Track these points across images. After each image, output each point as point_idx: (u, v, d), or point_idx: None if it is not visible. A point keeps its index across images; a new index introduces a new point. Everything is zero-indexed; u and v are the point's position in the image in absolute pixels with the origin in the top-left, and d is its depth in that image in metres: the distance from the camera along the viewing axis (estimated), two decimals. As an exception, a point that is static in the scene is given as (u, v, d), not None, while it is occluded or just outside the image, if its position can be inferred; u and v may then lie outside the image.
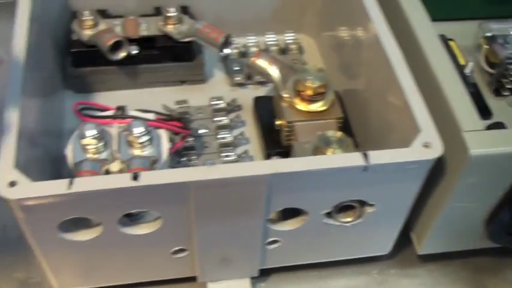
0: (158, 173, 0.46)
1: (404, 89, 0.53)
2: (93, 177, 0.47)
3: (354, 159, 0.48)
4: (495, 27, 0.64)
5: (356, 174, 0.48)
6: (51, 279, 0.56)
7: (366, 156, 0.48)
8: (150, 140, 0.55)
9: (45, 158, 0.57)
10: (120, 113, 0.58)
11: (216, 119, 0.68)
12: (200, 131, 0.67)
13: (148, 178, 0.45)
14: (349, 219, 0.54)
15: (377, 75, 0.58)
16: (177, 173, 0.46)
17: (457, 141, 0.50)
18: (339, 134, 0.56)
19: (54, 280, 0.56)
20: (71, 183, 0.45)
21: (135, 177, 0.45)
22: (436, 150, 0.49)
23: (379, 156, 0.48)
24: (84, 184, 0.45)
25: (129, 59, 0.67)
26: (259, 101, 0.68)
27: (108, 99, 0.68)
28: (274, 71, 0.63)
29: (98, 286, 0.58)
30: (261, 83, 0.73)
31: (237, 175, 0.46)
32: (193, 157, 0.64)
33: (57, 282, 0.57)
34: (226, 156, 0.64)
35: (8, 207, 0.62)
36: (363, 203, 0.53)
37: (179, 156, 0.64)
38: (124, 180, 0.45)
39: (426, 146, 0.49)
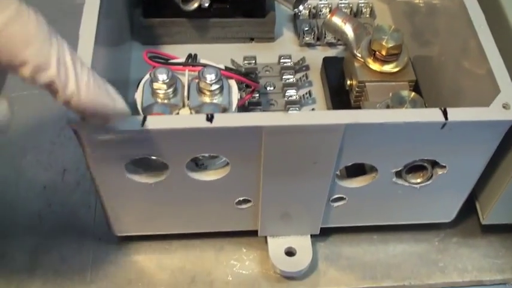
0: (233, 116, 0.46)
1: (486, 52, 0.51)
2: (166, 116, 0.47)
3: (433, 114, 0.46)
4: None
5: (432, 131, 0.47)
6: (110, 222, 0.56)
7: (445, 112, 0.46)
8: (221, 88, 0.54)
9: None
10: (191, 60, 0.57)
11: (283, 77, 0.67)
12: (267, 88, 0.66)
13: (223, 120, 0.45)
14: (418, 180, 0.53)
15: (455, 40, 0.57)
16: (253, 116, 0.46)
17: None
18: (413, 94, 0.55)
19: (112, 224, 0.56)
20: (144, 120, 0.45)
21: (210, 118, 0.45)
22: (516, 111, 0.48)
23: (458, 113, 0.47)
24: (157, 122, 0.45)
25: (200, 12, 0.67)
26: (328, 61, 0.67)
27: (175, 52, 0.67)
28: (348, 29, 0.62)
29: (157, 233, 0.58)
30: (330, 45, 0.72)
31: (313, 122, 0.45)
32: (259, 113, 0.64)
33: (116, 226, 0.57)
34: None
35: (70, 149, 0.64)
36: (434, 164, 0.52)
37: (245, 111, 0.63)
38: (198, 121, 0.45)
39: (505, 106, 0.48)
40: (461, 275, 0.60)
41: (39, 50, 0.35)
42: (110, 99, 0.40)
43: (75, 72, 0.37)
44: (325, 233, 0.59)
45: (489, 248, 0.62)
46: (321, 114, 0.46)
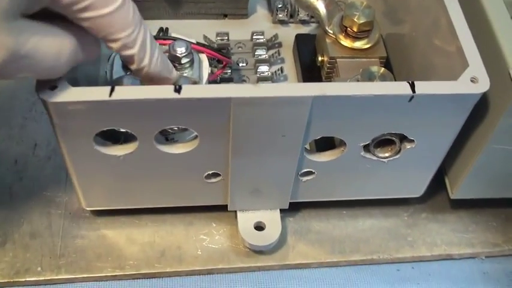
0: (201, 87, 0.46)
1: (455, 27, 0.51)
2: (135, 86, 0.47)
3: (401, 87, 0.47)
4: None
5: (400, 105, 0.48)
6: (80, 196, 0.56)
7: (412, 85, 0.47)
8: (191, 62, 0.54)
9: (82, 80, 0.57)
10: (162, 34, 0.57)
11: (255, 53, 0.67)
12: (239, 64, 0.66)
13: (191, 91, 0.45)
14: (386, 155, 0.54)
15: (425, 16, 0.57)
16: (221, 88, 0.46)
17: (504, 79, 0.49)
18: (382, 69, 0.55)
19: (82, 198, 0.56)
20: (112, 90, 0.44)
21: (178, 90, 0.45)
22: (483, 85, 0.48)
23: (426, 87, 0.47)
24: (125, 93, 0.45)
25: (172, -12, 0.67)
26: (300, 38, 0.67)
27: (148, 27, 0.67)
28: (321, 6, 0.62)
29: (125, 207, 0.58)
30: (303, 22, 0.72)
31: (282, 94, 0.45)
32: (231, 89, 0.64)
33: (85, 201, 0.56)
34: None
35: (42, 124, 0.64)
36: (402, 139, 0.52)
37: (217, 87, 0.63)
38: (166, 92, 0.45)
39: (473, 80, 0.48)
40: (430, 249, 0.60)
41: (130, 34, 0.43)
42: (168, 72, 0.48)
43: (151, 51, 0.45)
44: (295, 208, 0.60)
45: (458, 223, 0.63)
46: (289, 87, 0.46)
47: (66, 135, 0.48)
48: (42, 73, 0.42)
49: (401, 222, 0.62)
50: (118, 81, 0.53)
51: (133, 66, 0.46)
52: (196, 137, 0.49)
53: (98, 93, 0.44)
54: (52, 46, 0.41)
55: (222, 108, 0.46)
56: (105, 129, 0.48)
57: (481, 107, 0.51)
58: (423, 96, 0.47)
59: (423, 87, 0.47)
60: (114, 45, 0.43)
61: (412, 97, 0.47)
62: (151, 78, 0.47)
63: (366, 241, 0.60)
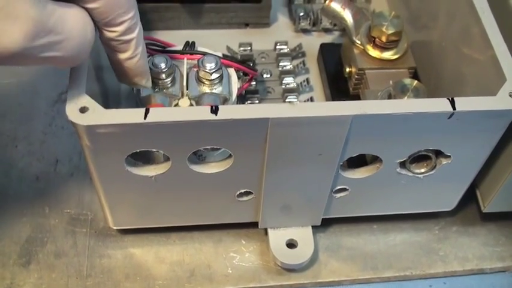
0: (238, 108, 0.44)
1: (490, 37, 0.50)
2: (169, 108, 0.46)
3: (441, 104, 0.46)
4: None
5: (439, 121, 0.46)
6: (107, 215, 0.55)
7: (452, 102, 0.46)
8: (221, 77, 0.53)
9: (106, 94, 0.56)
10: (188, 48, 0.56)
11: (280, 64, 0.66)
12: (263, 76, 0.65)
13: (228, 112, 0.44)
14: (422, 170, 0.53)
15: (455, 24, 0.56)
16: (258, 108, 0.44)
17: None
18: (416, 82, 0.54)
19: (109, 217, 0.55)
20: (146, 112, 0.43)
21: (215, 111, 0.43)
22: (523, 100, 0.47)
23: (466, 103, 0.46)
24: (160, 115, 0.43)
25: (194, -3, 0.65)
26: (325, 48, 0.66)
27: (169, 38, 0.65)
28: (348, 15, 0.61)
29: (154, 226, 0.57)
30: (326, 30, 0.70)
31: (321, 114, 0.44)
32: (257, 101, 0.63)
33: (113, 220, 0.55)
34: (291, 102, 0.62)
35: (63, 140, 0.62)
36: (438, 154, 0.51)
37: (242, 100, 0.62)
38: (202, 113, 0.43)
39: (512, 95, 0.47)
40: (462, 263, 0.59)
41: (134, 15, 0.43)
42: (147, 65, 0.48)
43: (142, 37, 0.45)
44: (326, 223, 0.59)
45: (489, 236, 0.62)
46: (328, 106, 0.45)
47: (97, 157, 0.47)
48: (69, 54, 0.40)
49: (432, 236, 0.61)
50: (147, 99, 0.51)
51: (126, 55, 0.45)
52: (229, 155, 0.48)
53: (132, 115, 0.43)
54: (78, 19, 0.40)
55: (259, 129, 0.45)
56: (138, 150, 0.46)
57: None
58: (463, 113, 0.46)
59: (463, 104, 0.46)
60: (119, 29, 0.42)
61: (452, 114, 0.46)
62: (141, 69, 0.47)
63: (398, 256, 0.59)
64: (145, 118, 0.43)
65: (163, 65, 0.52)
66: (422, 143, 0.49)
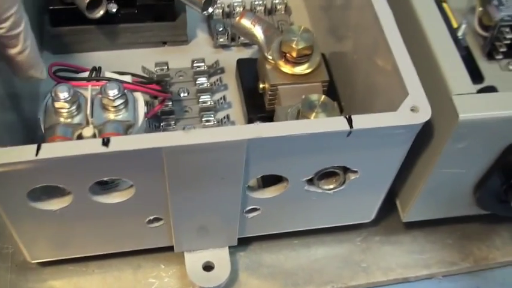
0: (129, 138, 0.44)
1: (393, 50, 0.50)
2: (60, 142, 0.45)
3: (338, 123, 0.45)
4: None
5: (339, 140, 0.46)
6: (23, 250, 0.54)
7: (349, 120, 0.45)
8: (126, 103, 0.52)
9: (18, 123, 0.55)
10: (95, 74, 0.55)
11: (197, 82, 0.65)
12: (180, 95, 0.64)
13: (119, 144, 0.43)
14: (331, 186, 0.52)
15: (365, 37, 0.56)
16: (149, 138, 0.44)
17: (447, 105, 0.48)
18: (323, 97, 0.54)
19: (25, 251, 0.54)
20: (38, 149, 0.43)
21: (106, 143, 0.43)
22: (424, 114, 0.47)
23: (363, 121, 0.46)
24: (51, 150, 0.43)
25: (109, 18, 0.65)
26: (242, 64, 0.65)
27: (86, 60, 0.65)
28: (258, 32, 0.60)
29: (71, 257, 0.56)
30: (245, 45, 0.70)
31: (213, 140, 0.44)
32: (173, 122, 0.62)
33: (29, 253, 0.55)
34: (207, 121, 0.62)
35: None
36: (345, 170, 0.51)
37: (158, 121, 0.62)
38: (93, 146, 0.43)
39: (413, 109, 0.47)
40: (385, 273, 0.59)
41: (18, 9, 0.44)
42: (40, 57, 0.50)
43: (29, 30, 0.47)
44: (245, 242, 0.58)
45: (413, 244, 0.62)
46: (221, 131, 0.45)
47: (0, 194, 0.46)
48: None
49: (354, 248, 0.60)
50: (50, 131, 0.51)
51: (17, 49, 0.47)
52: (132, 185, 0.48)
53: (23, 153, 0.43)
54: None
55: (153, 158, 0.44)
56: (37, 186, 0.46)
57: (425, 133, 0.50)
58: (361, 131, 0.46)
59: (361, 122, 0.46)
60: (6, 25, 0.44)
61: (350, 132, 0.45)
62: (33, 61, 0.48)
63: (319, 271, 0.59)
64: (36, 154, 0.42)
65: (66, 94, 0.51)
66: (327, 161, 0.49)
